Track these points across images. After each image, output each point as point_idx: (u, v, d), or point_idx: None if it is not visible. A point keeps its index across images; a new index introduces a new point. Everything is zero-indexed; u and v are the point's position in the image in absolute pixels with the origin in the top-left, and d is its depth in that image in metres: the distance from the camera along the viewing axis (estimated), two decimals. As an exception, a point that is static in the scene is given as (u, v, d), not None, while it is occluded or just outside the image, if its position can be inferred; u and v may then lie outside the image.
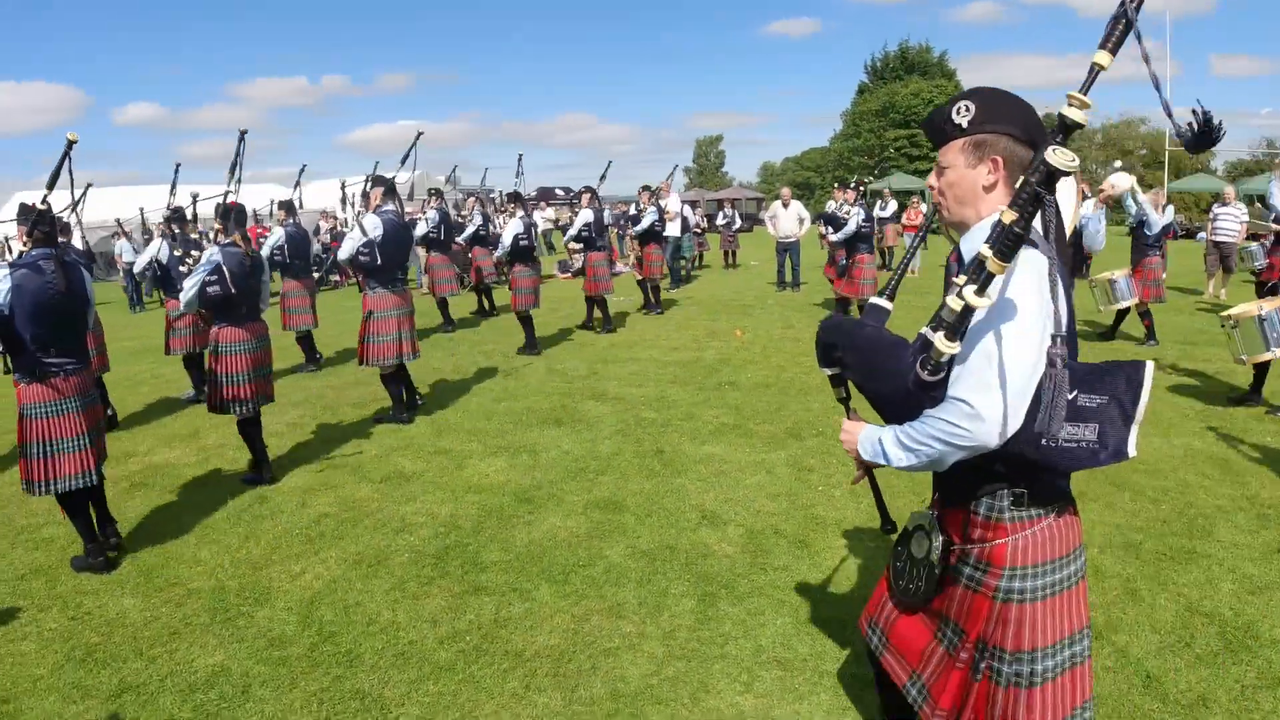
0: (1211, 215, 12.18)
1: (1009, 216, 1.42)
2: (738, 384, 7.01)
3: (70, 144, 3.72)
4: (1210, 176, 32.07)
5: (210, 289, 4.60)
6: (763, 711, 2.64)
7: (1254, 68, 76.62)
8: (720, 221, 19.72)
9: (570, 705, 2.71)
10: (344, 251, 6.03)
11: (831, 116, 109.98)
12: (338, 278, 17.72)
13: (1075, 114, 1.38)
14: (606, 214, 12.56)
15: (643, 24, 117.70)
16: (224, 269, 4.62)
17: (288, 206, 8.70)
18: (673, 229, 13.74)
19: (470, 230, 11.60)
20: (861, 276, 9.50)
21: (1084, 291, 9.44)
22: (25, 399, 3.70)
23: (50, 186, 3.69)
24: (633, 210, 12.41)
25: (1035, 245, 1.48)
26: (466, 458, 5.30)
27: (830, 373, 1.95)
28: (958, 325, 1.47)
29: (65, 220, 5.52)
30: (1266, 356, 5.50)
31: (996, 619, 1.67)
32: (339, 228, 15.95)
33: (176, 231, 7.26)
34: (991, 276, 1.44)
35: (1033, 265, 1.47)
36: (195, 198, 8.45)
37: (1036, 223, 1.58)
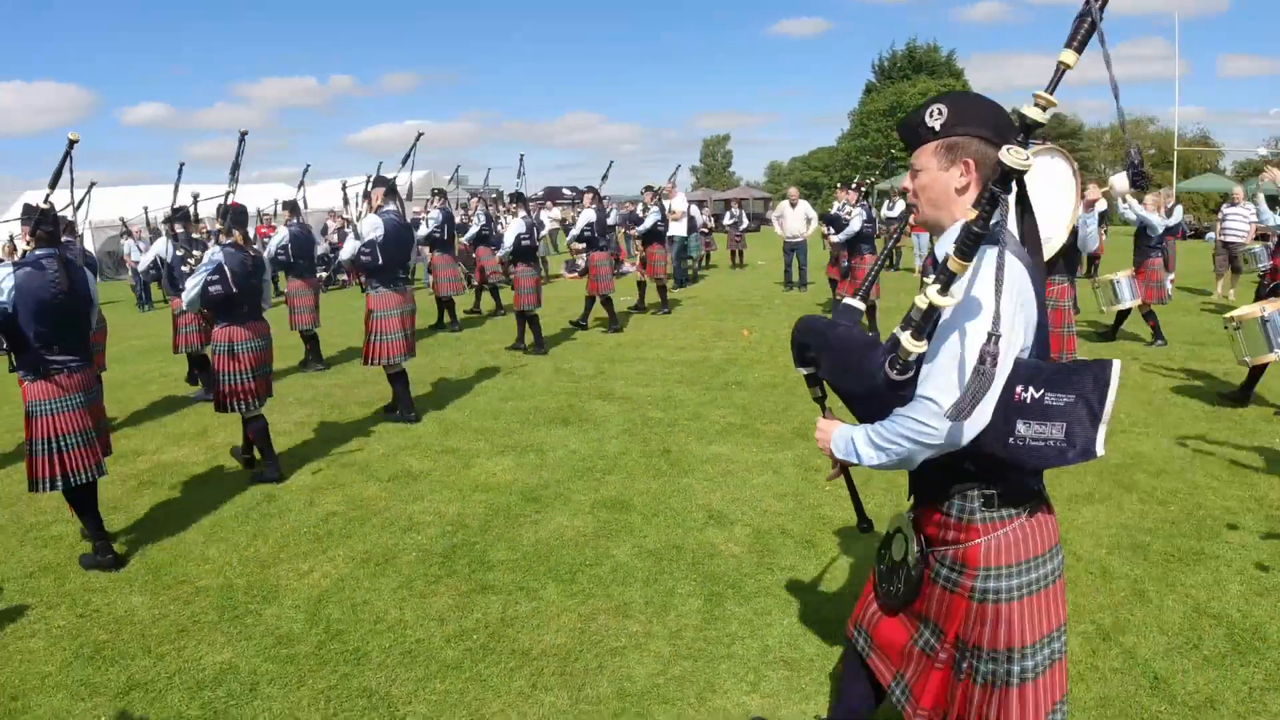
0: (1220, 215, 12.11)
1: (969, 215, 1.44)
2: (744, 384, 7.01)
3: (71, 143, 3.74)
4: (1219, 176, 31.89)
5: (212, 288, 4.63)
6: (769, 711, 2.64)
7: (1261, 67, 76.31)
8: (727, 221, 19.75)
9: (577, 704, 2.72)
10: (345, 252, 6.06)
11: (835, 116, 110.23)
12: (345, 276, 17.76)
13: (1035, 113, 1.39)
14: (613, 214, 12.55)
15: (644, 24, 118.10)
16: (225, 268, 4.64)
17: (292, 206, 8.74)
18: (679, 229, 13.74)
19: (474, 230, 11.64)
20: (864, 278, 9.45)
21: (1087, 292, 9.41)
22: (30, 396, 3.74)
23: (52, 186, 3.71)
24: (639, 210, 12.42)
25: (1004, 245, 1.47)
26: (474, 457, 5.31)
27: (805, 372, 1.98)
28: (923, 325, 1.50)
29: (70, 219, 5.55)
30: (1270, 358, 5.47)
31: (974, 618, 1.67)
32: (345, 227, 15.98)
33: (179, 231, 7.29)
34: (954, 276, 1.46)
35: (998, 265, 1.45)
36: (196, 198, 8.46)
37: (1011, 224, 1.58)
